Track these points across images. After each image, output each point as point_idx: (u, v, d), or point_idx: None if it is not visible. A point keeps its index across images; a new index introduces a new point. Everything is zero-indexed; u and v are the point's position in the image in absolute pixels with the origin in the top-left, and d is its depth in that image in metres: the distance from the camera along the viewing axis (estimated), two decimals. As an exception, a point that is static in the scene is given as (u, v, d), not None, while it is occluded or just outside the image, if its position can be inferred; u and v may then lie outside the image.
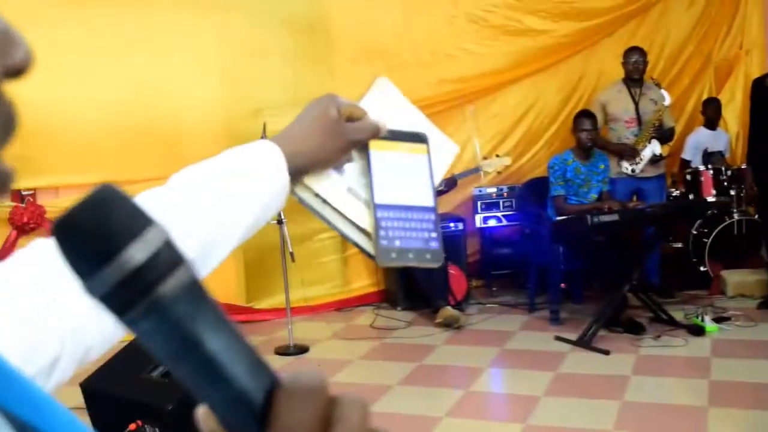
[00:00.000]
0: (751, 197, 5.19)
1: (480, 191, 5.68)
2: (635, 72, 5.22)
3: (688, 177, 5.48)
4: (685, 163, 5.72)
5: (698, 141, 5.66)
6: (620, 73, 5.41)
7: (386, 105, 0.81)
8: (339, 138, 0.75)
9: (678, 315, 4.63)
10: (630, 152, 5.23)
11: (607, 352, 4.26)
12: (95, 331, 0.58)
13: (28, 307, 0.55)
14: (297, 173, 0.75)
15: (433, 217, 0.75)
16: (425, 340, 4.77)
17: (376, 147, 0.77)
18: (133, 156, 4.73)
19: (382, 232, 0.73)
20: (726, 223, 5.25)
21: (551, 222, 4.97)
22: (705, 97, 6.06)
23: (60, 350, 0.56)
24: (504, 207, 5.66)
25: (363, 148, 0.77)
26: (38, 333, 0.55)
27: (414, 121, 0.81)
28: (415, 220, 0.75)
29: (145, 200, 0.64)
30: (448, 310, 4.94)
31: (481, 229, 5.72)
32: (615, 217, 4.39)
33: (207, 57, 5.03)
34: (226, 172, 0.70)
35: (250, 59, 5.15)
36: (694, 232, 5.39)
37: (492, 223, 5.73)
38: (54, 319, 0.56)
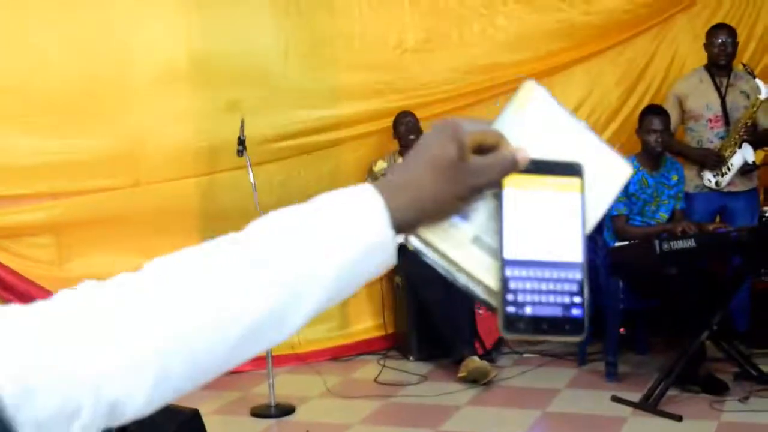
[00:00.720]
0: None
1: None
2: (722, 56, 5.19)
3: None
4: None
5: None
6: (701, 58, 5.40)
7: (534, 121, 0.83)
8: (460, 185, 0.78)
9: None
10: (714, 160, 5.22)
11: (679, 418, 4.25)
12: (122, 387, 0.69)
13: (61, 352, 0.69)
14: (407, 227, 0.79)
15: (579, 276, 0.77)
16: (444, 399, 4.78)
17: (512, 183, 0.79)
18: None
19: (509, 296, 0.76)
20: None
21: (608, 249, 4.97)
22: None
23: (82, 399, 0.69)
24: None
25: (496, 184, 0.80)
26: (63, 377, 0.68)
27: (574, 140, 0.83)
28: (554, 280, 0.77)
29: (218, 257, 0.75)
30: (475, 361, 4.96)
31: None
32: (691, 243, 4.41)
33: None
34: (314, 227, 0.76)
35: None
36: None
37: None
38: (80, 366, 0.69)
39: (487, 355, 5.22)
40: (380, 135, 5.73)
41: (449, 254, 0.80)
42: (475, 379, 4.90)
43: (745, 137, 5.22)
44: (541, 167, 0.81)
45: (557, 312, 0.76)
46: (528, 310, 0.76)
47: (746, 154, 5.16)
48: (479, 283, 0.79)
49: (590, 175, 0.82)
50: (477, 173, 0.79)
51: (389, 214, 0.77)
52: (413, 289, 5.29)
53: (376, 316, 5.82)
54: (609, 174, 0.84)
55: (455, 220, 0.81)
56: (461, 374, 4.95)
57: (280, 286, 0.74)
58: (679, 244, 4.37)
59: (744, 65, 5.34)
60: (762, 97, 5.12)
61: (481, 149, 0.80)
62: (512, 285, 0.77)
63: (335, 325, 5.73)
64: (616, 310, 4.87)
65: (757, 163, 5.25)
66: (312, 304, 0.76)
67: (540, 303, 0.76)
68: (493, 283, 0.79)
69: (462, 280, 0.80)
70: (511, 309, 0.76)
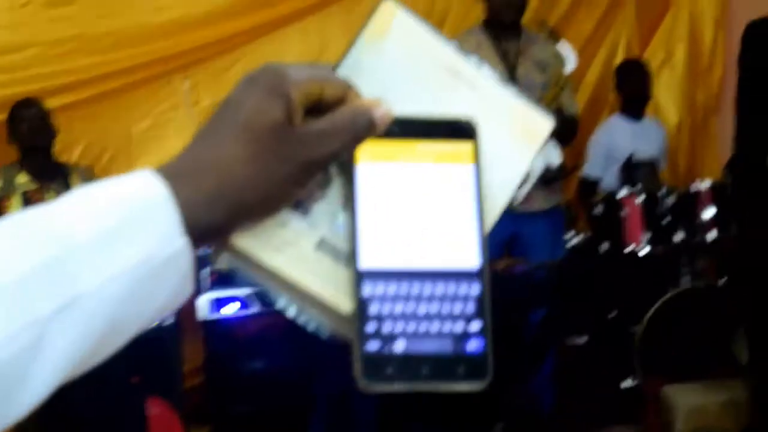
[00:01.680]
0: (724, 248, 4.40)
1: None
2: (507, 9, 4.14)
3: (598, 209, 4.54)
4: (589, 185, 4.91)
5: (612, 142, 4.84)
6: (475, 14, 4.41)
7: (398, 60, 0.68)
8: (290, 161, 0.62)
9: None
10: None
11: None
12: None
13: None
14: (211, 232, 0.61)
15: (476, 290, 0.63)
16: None
17: (369, 155, 0.65)
18: None
19: (370, 326, 0.61)
20: (667, 296, 4.38)
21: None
22: (620, 58, 5.41)
23: None
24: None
25: (344, 156, 0.65)
26: None
27: (461, 86, 0.69)
28: (439, 298, 0.62)
29: None
30: None
31: (206, 323, 4.31)
32: None
33: None
34: (52, 240, 0.56)
35: None
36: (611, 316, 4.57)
37: (229, 310, 4.33)
38: None
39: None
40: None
41: (279, 269, 0.63)
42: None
43: (545, 130, 4.07)
44: (411, 128, 0.65)
45: (445, 347, 0.62)
46: (399, 346, 0.61)
47: (549, 154, 4.26)
48: (325, 308, 0.64)
49: (488, 137, 0.67)
50: (314, 142, 0.62)
51: (180, 212, 0.59)
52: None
53: None
54: (518, 133, 0.69)
55: (286, 216, 0.64)
56: None
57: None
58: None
59: (543, 24, 4.56)
60: (569, 69, 4.32)
61: (319, 106, 0.63)
62: (374, 308, 0.61)
63: None
64: (366, 400, 3.95)
65: (565, 167, 4.40)
66: (56, 362, 0.57)
67: (418, 334, 0.61)
68: (345, 306, 0.63)
69: (298, 307, 0.66)
70: (372, 345, 0.61)
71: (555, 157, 4.29)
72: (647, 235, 4.59)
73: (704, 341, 4.56)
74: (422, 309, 0.63)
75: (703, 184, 4.49)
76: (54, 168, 4.19)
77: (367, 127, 0.65)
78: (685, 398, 4.36)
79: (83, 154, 4.65)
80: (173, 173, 0.61)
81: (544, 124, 0.71)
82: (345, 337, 0.66)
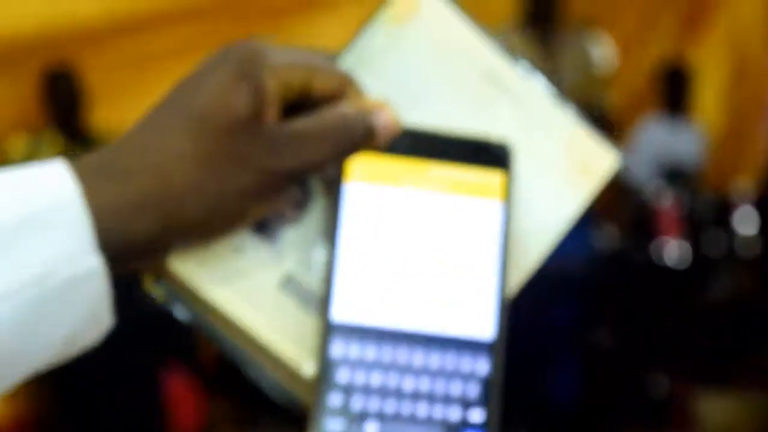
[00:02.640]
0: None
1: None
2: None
3: (632, 214, 4.70)
4: (624, 188, 4.87)
5: (651, 145, 4.82)
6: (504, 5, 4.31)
7: (421, 54, 0.56)
8: (253, 169, 0.50)
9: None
10: None
11: None
12: None
13: None
14: (138, 252, 0.50)
15: (485, 368, 0.49)
16: None
17: (363, 173, 0.52)
18: None
19: (335, 398, 0.49)
20: (699, 304, 4.50)
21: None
22: (662, 59, 5.22)
23: None
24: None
25: (329, 169, 0.53)
26: None
27: (501, 97, 0.55)
28: (432, 373, 0.49)
29: None
30: None
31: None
32: None
33: None
34: None
35: None
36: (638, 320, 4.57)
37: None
38: None
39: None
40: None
41: (224, 306, 0.51)
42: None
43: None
44: (424, 145, 0.52)
45: None
46: (371, 430, 0.48)
47: None
48: (281, 365, 0.51)
49: (529, 168, 0.54)
50: (287, 147, 0.50)
51: (93, 221, 0.47)
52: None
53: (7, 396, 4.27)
54: (570, 167, 0.54)
55: (244, 240, 0.51)
56: None
57: None
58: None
59: (582, 20, 4.50)
60: (606, 68, 4.41)
61: (307, 101, 0.50)
62: (343, 375, 0.48)
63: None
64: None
65: None
66: None
67: (398, 418, 0.48)
68: (306, 367, 0.50)
69: (246, 357, 0.53)
70: (334, 425, 0.48)
71: None
72: (682, 242, 4.54)
73: (735, 350, 4.55)
74: (408, 384, 0.50)
75: (744, 190, 4.44)
76: (84, 139, 4.19)
77: (363, 136, 0.52)
78: (713, 406, 4.35)
79: (119, 126, 4.64)
80: (93, 168, 0.49)
81: (606, 159, 0.56)
82: (304, 407, 0.53)
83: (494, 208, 0.51)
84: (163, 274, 0.52)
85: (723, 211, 4.55)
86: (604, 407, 4.55)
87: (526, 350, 3.81)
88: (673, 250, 4.49)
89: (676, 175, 4.76)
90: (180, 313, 0.54)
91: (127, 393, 4.02)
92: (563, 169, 0.54)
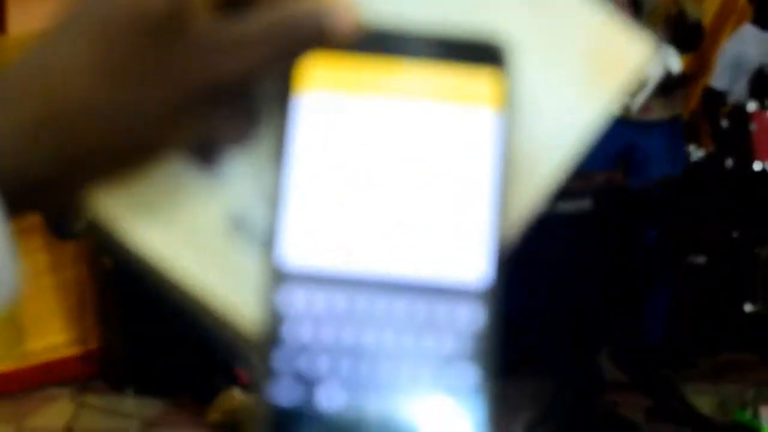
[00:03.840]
0: None
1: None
2: None
3: (724, 123, 4.48)
4: (716, 96, 4.74)
5: (741, 52, 4.63)
6: None
7: None
8: (171, 78, 0.42)
9: (706, 404, 3.93)
10: None
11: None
12: None
13: None
14: (41, 185, 0.43)
15: (476, 321, 0.39)
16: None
17: (321, 81, 0.42)
18: None
19: (285, 361, 0.39)
20: None
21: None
22: None
23: None
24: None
25: (280, 85, 0.43)
26: None
27: None
28: (411, 327, 0.40)
29: None
30: (235, 397, 4.14)
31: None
32: (584, 204, 3.58)
33: None
34: None
35: None
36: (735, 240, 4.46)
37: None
38: None
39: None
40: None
41: (155, 250, 0.44)
42: (233, 427, 4.12)
43: (665, 36, 4.34)
44: (393, 41, 0.42)
45: (412, 408, 0.39)
46: (333, 400, 0.39)
47: (669, 61, 4.22)
48: (221, 319, 0.44)
49: (540, 66, 0.45)
50: (217, 53, 0.42)
51: None
52: (132, 277, 3.77)
53: (68, 325, 4.70)
54: (592, 63, 0.45)
55: (179, 172, 0.44)
56: (213, 416, 4.17)
57: None
58: (566, 208, 3.45)
59: None
60: None
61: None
62: (293, 332, 0.40)
63: (3, 337, 4.62)
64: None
65: (685, 73, 4.40)
66: None
67: (367, 384, 0.39)
68: (251, 321, 0.42)
69: (188, 306, 0.46)
70: (286, 394, 0.39)
71: (675, 63, 4.21)
72: None
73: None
74: (376, 341, 0.41)
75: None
76: None
77: (313, 34, 0.42)
78: None
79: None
80: None
81: (635, 50, 0.47)
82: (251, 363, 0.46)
83: (486, 118, 0.41)
84: (85, 213, 0.45)
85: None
86: (697, 328, 4.49)
87: (615, 275, 3.87)
88: None
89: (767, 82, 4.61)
90: (115, 249, 0.45)
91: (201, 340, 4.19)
92: (580, 66, 0.45)
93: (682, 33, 4.31)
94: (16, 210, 0.41)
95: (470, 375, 0.39)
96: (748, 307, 4.43)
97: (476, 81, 0.42)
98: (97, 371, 4.55)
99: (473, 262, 0.39)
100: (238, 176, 0.44)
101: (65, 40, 0.41)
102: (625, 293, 3.93)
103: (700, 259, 4.52)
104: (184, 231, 0.44)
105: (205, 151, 0.44)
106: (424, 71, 0.42)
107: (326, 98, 0.41)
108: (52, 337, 4.69)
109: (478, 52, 0.42)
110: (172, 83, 0.41)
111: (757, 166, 4.34)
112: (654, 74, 4.16)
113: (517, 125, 0.42)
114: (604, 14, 0.45)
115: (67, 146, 0.41)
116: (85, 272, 4.61)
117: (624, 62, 0.46)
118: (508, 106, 0.41)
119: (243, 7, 0.42)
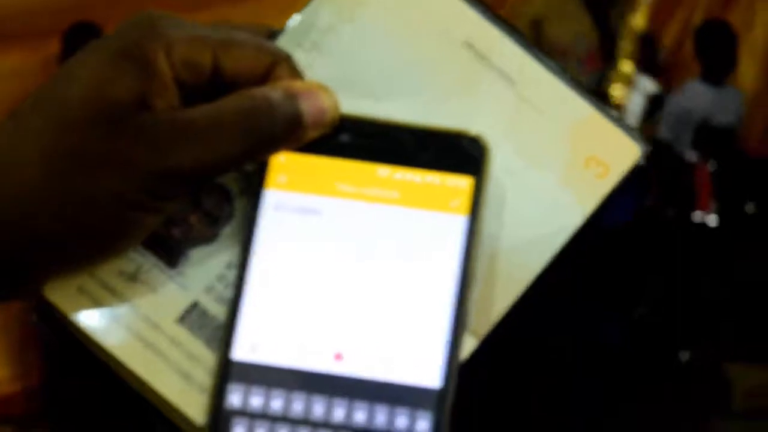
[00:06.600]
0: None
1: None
2: None
3: (667, 174, 4.49)
4: (661, 147, 4.69)
5: (690, 105, 4.61)
6: None
7: (387, 20, 0.43)
8: (130, 165, 0.39)
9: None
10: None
11: None
12: None
13: None
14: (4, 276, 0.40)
15: (425, 425, 0.38)
16: None
17: (291, 180, 0.41)
18: None
19: None
20: (734, 269, 4.45)
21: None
22: (699, 19, 5.05)
23: None
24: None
25: (250, 177, 0.43)
26: None
27: (479, 75, 0.43)
28: (358, 430, 0.39)
29: None
30: None
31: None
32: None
33: None
34: None
35: None
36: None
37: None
38: None
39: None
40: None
41: (110, 349, 0.42)
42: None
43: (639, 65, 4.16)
44: (369, 141, 0.41)
45: None
46: None
47: (642, 85, 4.15)
48: (175, 412, 0.42)
49: (522, 165, 0.43)
50: (182, 141, 0.38)
51: None
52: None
53: (9, 361, 4.39)
54: (577, 163, 0.43)
55: (140, 264, 0.42)
56: None
57: None
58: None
59: None
60: None
61: (223, 82, 0.39)
62: (239, 431, 0.39)
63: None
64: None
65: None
66: None
67: None
68: (200, 417, 0.41)
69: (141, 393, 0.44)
70: None
71: (650, 85, 4.11)
72: (713, 204, 4.43)
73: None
74: None
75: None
76: None
77: (286, 125, 0.39)
78: (746, 377, 4.25)
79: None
80: None
81: (624, 152, 0.44)
82: None
83: (454, 224, 0.40)
84: (41, 305, 0.43)
85: (759, 172, 4.54)
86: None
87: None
88: (708, 211, 4.40)
89: (711, 135, 4.60)
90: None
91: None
92: (565, 166, 0.43)
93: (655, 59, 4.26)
94: None
95: None
96: (683, 356, 4.42)
97: (447, 185, 0.40)
98: (40, 409, 4.39)
99: (428, 365, 0.38)
100: (197, 268, 0.42)
101: (22, 130, 0.38)
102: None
103: (642, 310, 4.52)
104: (132, 326, 0.41)
105: (168, 243, 0.42)
106: (395, 175, 0.40)
107: (291, 198, 0.40)
108: (-6, 371, 4.43)
109: (455, 151, 0.41)
110: (129, 174, 0.37)
111: (697, 217, 4.35)
112: (636, 104, 4.10)
113: (492, 227, 0.41)
114: (594, 110, 0.43)
115: (17, 238, 0.38)
116: (29, 308, 4.32)
117: (610, 161, 0.43)
118: (478, 210, 0.40)
119: (215, 93, 0.39)
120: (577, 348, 3.83)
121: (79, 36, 3.88)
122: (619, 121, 0.42)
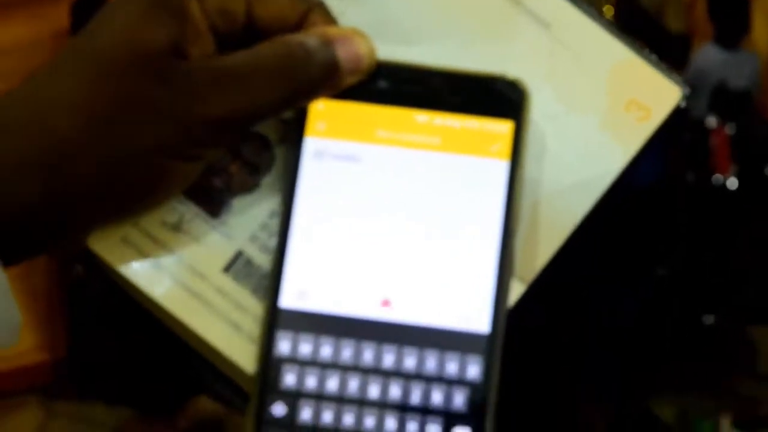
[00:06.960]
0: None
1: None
2: None
3: (685, 138, 4.25)
4: (678, 112, 4.37)
5: (705, 67, 4.50)
6: None
7: None
8: (169, 114, 0.37)
9: (668, 414, 3.79)
10: None
11: None
12: None
13: None
14: (37, 227, 0.38)
15: (475, 370, 0.37)
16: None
17: (330, 127, 0.40)
18: None
19: (276, 408, 0.38)
20: (754, 233, 4.21)
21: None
22: None
23: None
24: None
25: (289, 126, 0.41)
26: None
27: (518, 26, 0.42)
28: (406, 375, 0.38)
29: None
30: (203, 405, 3.90)
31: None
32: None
33: None
34: None
35: None
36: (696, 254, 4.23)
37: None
38: None
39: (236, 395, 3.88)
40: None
41: (157, 299, 0.41)
42: (204, 433, 3.97)
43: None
44: (407, 86, 0.40)
45: None
46: None
47: None
48: (224, 361, 0.41)
49: (562, 111, 0.42)
50: (219, 89, 0.37)
51: None
52: (103, 286, 3.58)
53: (36, 330, 4.06)
54: (618, 107, 0.42)
55: (182, 214, 0.41)
56: (181, 425, 3.89)
57: None
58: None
59: None
60: None
61: (255, 29, 0.38)
62: (288, 378, 0.38)
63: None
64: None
65: None
66: None
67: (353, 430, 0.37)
68: (249, 363, 0.40)
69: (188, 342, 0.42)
70: None
71: None
72: (734, 167, 4.29)
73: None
74: (373, 391, 0.39)
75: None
76: None
77: (323, 72, 0.39)
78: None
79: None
80: None
81: (665, 94, 0.44)
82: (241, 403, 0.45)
83: (496, 169, 0.40)
84: (86, 256, 0.43)
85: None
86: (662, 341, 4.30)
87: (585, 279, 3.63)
88: (727, 174, 4.27)
89: (727, 99, 4.49)
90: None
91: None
92: (606, 110, 0.43)
93: (667, 47, 4.14)
94: (9, 255, 0.38)
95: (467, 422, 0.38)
96: (707, 320, 4.31)
97: (487, 130, 0.40)
98: (66, 378, 4.26)
99: (476, 310, 0.38)
100: (241, 217, 0.42)
101: (61, 76, 0.39)
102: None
103: (662, 271, 4.35)
104: (180, 276, 0.41)
105: (210, 193, 0.41)
106: (434, 121, 0.40)
107: (332, 145, 0.40)
108: (20, 343, 4.45)
109: (494, 95, 0.40)
110: (168, 122, 0.37)
111: (717, 180, 4.25)
112: None
113: (534, 172, 0.41)
114: (632, 53, 0.43)
115: (56, 183, 0.38)
116: (55, 279, 4.32)
117: (651, 105, 0.44)
118: (519, 154, 0.40)
119: (249, 41, 0.38)
120: (590, 328, 3.76)
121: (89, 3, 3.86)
122: (658, 63, 0.42)
